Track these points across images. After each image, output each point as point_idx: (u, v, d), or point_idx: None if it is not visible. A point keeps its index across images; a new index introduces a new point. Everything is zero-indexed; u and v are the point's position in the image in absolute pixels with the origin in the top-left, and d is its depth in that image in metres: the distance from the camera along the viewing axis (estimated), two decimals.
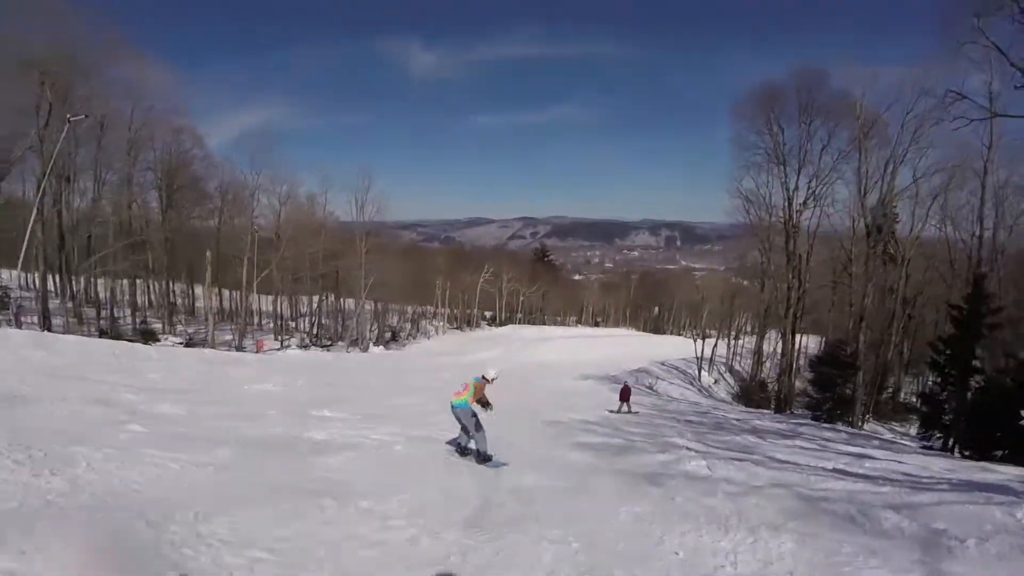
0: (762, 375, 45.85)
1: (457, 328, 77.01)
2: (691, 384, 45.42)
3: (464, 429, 9.76)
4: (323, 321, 61.53)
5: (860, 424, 25.59)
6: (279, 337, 53.12)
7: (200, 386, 17.47)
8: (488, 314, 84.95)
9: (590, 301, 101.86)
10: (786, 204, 29.85)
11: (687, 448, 12.09)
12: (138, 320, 42.52)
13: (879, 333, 28.64)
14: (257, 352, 41.28)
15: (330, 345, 55.56)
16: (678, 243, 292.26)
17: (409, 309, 77.02)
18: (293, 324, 60.88)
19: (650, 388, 41.32)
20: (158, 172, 45.21)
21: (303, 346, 52.62)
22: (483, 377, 9.91)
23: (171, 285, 49.03)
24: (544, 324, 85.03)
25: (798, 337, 53.30)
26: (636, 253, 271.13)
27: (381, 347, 57.49)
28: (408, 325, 74.94)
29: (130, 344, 25.93)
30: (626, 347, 62.69)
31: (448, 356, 54.69)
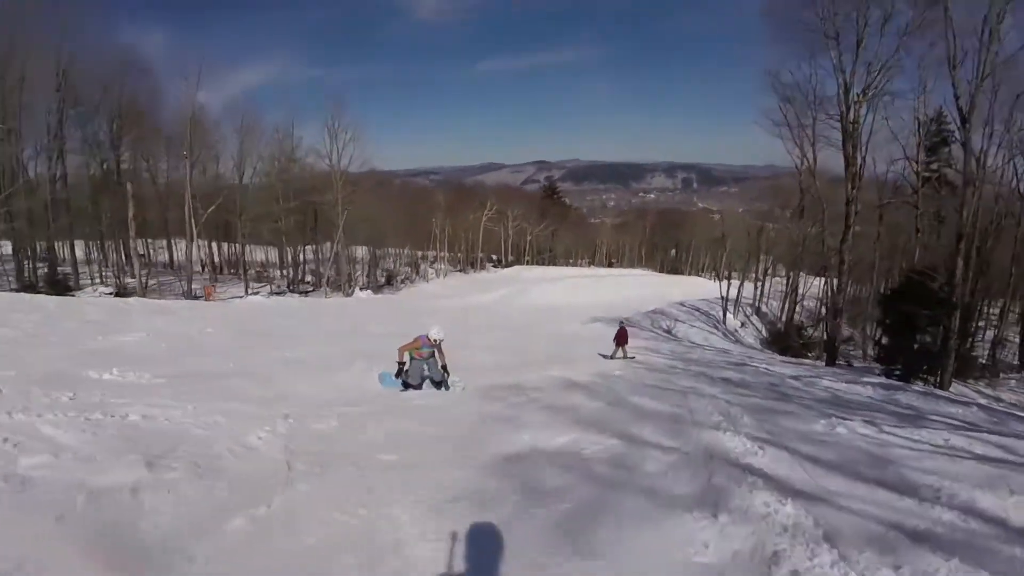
0: (799, 318, 39.18)
1: (460, 271, 70.72)
2: (715, 327, 38.82)
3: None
4: (309, 267, 55.54)
5: (948, 384, 18.96)
6: (251, 285, 47.25)
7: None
8: (494, 257, 78.42)
9: (604, 241, 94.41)
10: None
11: (760, 479, 5.51)
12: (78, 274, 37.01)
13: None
14: (206, 299, 36.69)
15: (311, 291, 49.65)
16: (695, 185, 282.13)
17: (407, 253, 71.02)
18: (281, 272, 54.86)
19: (668, 332, 34.86)
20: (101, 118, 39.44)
21: (278, 292, 46.92)
22: (427, 337, 9.74)
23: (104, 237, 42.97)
24: (554, 266, 78.41)
25: (822, 282, 46.84)
26: (652, 196, 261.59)
27: (368, 291, 51.40)
28: (407, 269, 68.92)
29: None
30: (641, 287, 56.12)
31: (445, 299, 48.94)
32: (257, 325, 21.07)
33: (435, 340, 9.83)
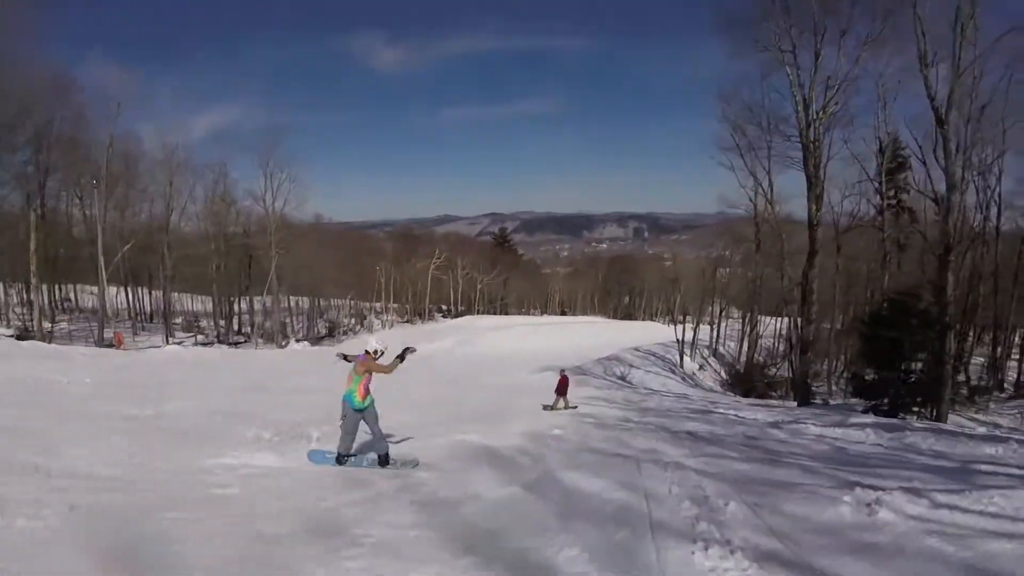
0: (759, 357, 36.97)
1: (407, 321, 67.15)
2: (672, 371, 36.26)
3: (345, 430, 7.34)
4: (245, 318, 51.45)
5: (945, 415, 16.46)
6: (177, 335, 43.05)
7: None
8: (444, 307, 75.04)
9: (556, 290, 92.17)
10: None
11: None
12: None
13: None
14: (117, 347, 33.45)
15: (242, 343, 45.56)
16: (645, 234, 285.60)
17: (351, 304, 67.33)
18: (216, 323, 50.56)
19: (622, 378, 32.08)
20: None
21: (205, 343, 42.75)
22: (366, 352, 7.54)
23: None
24: (506, 315, 75.43)
25: (778, 320, 45.31)
26: (604, 245, 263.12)
27: (305, 343, 47.46)
28: (351, 320, 65.11)
29: None
30: (594, 334, 53.50)
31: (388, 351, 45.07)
32: (151, 377, 18.17)
33: (374, 352, 7.46)
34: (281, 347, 44.58)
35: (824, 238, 24.75)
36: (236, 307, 51.24)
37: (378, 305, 68.75)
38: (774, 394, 31.76)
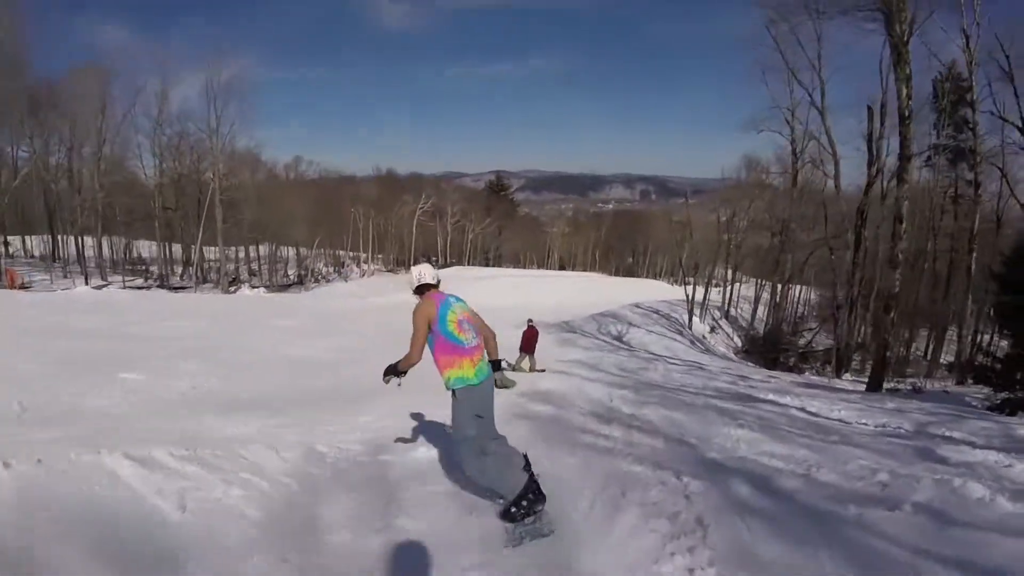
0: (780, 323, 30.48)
1: (390, 271, 60.64)
2: (679, 333, 29.77)
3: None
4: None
5: None
6: (105, 278, 36.85)
7: None
8: (432, 258, 68.36)
9: (555, 244, 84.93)
10: None
11: None
12: None
13: None
14: (10, 287, 28.89)
15: (186, 288, 39.22)
16: (653, 197, 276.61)
17: (332, 252, 60.91)
18: (162, 267, 44.14)
19: (618, 339, 25.60)
20: None
21: (143, 287, 36.68)
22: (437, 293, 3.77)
23: None
24: (499, 268, 68.71)
25: (799, 289, 38.83)
26: (611, 206, 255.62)
27: (261, 290, 41.18)
28: (327, 269, 58.82)
29: None
30: (591, 289, 46.98)
31: (356, 299, 38.97)
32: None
33: (432, 282, 3.83)
34: (228, 292, 38.31)
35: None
36: (193, 253, 44.69)
37: (357, 254, 62.15)
38: (806, 367, 25.32)
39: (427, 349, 3.61)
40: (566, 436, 5.88)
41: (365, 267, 60.57)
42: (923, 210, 26.12)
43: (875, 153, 20.54)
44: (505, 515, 3.41)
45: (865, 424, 7.38)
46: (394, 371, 3.76)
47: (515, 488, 3.40)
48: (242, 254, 50.88)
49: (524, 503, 3.37)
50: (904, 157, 13.60)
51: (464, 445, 3.54)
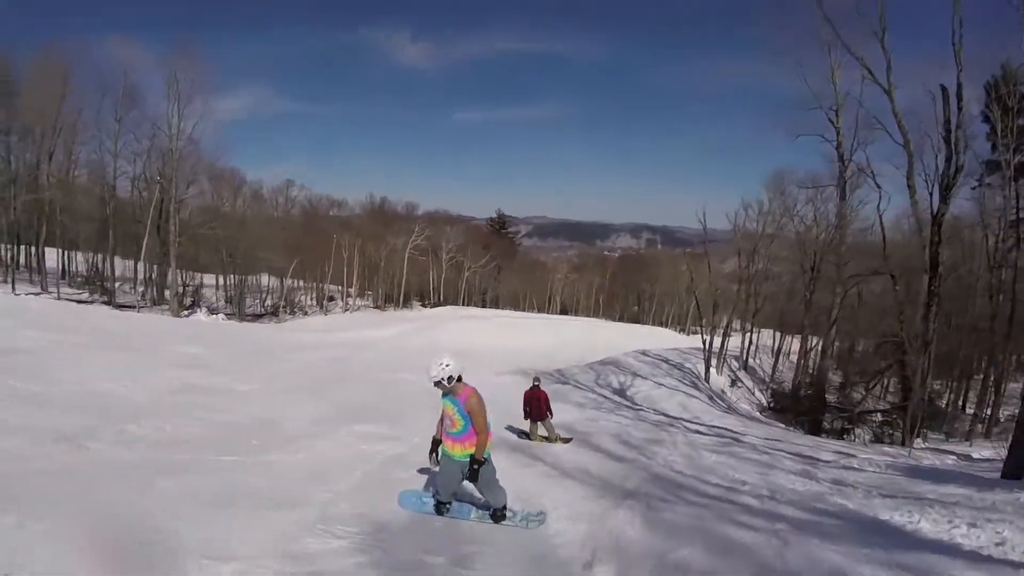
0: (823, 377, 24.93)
1: (377, 308, 55.48)
2: (695, 387, 24.23)
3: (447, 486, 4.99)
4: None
5: None
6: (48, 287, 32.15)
7: None
8: (423, 299, 63.03)
9: (557, 288, 79.39)
10: None
11: None
12: None
13: None
14: None
15: (133, 307, 34.20)
16: (659, 247, 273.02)
17: (315, 284, 55.94)
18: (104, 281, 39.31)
19: (620, 393, 20.11)
20: None
21: (87, 300, 32.08)
22: (444, 380, 4.69)
23: None
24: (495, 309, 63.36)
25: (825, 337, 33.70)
26: (617, 255, 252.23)
27: (220, 316, 36.18)
28: (309, 301, 53.89)
29: None
30: (591, 334, 41.75)
31: (324, 334, 34.05)
32: None
33: (439, 381, 4.68)
34: (180, 316, 33.30)
35: None
36: (145, 269, 39.79)
37: (344, 288, 57.01)
38: (854, 428, 19.88)
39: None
40: None
41: (350, 301, 55.41)
42: None
43: (954, 145, 15.54)
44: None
45: None
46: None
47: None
48: (219, 280, 46.32)
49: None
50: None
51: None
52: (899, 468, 9.48)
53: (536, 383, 10.78)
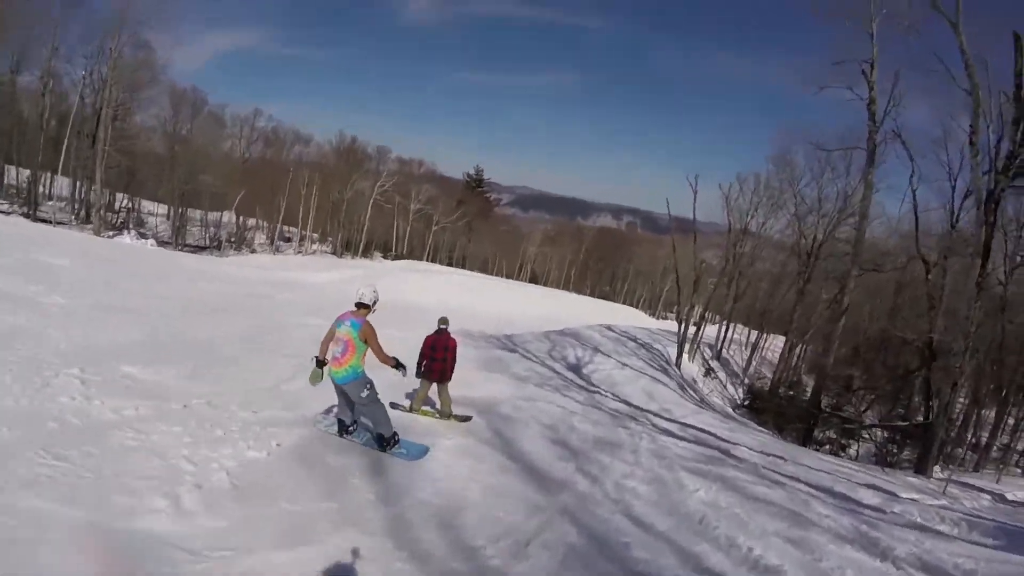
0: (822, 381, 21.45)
1: (332, 253, 51.03)
2: (664, 371, 20.57)
3: (348, 406, 5.49)
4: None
5: None
6: None
7: None
8: (387, 252, 58.61)
9: (529, 255, 75.05)
10: None
11: None
12: None
13: None
14: None
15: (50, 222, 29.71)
16: (639, 230, 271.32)
17: (278, 226, 51.10)
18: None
19: (576, 369, 16.35)
20: None
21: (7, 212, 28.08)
22: (358, 306, 5.39)
23: None
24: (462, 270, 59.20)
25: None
26: (596, 228, 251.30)
27: (151, 242, 31.84)
28: (259, 238, 49.35)
29: None
30: (554, 304, 38.23)
31: (260, 270, 30.15)
32: None
33: (370, 304, 5.47)
34: (102, 236, 28.92)
35: None
36: (77, 187, 34.96)
37: (301, 232, 52.27)
38: (848, 446, 16.54)
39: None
40: None
41: (304, 245, 50.85)
42: None
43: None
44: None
45: None
46: None
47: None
48: (170, 212, 41.54)
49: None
50: None
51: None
52: (984, 529, 5.90)
53: (443, 327, 7.55)
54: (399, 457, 5.34)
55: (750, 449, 8.34)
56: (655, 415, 11.06)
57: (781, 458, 8.05)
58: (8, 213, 29.20)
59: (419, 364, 7.25)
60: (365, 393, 5.21)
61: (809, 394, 22.64)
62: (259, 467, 4.43)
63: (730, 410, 21.06)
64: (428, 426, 7.22)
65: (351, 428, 5.55)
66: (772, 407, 20.05)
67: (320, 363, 5.31)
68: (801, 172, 27.72)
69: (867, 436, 17.13)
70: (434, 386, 7.36)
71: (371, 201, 51.69)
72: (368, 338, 5.12)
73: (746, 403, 22.95)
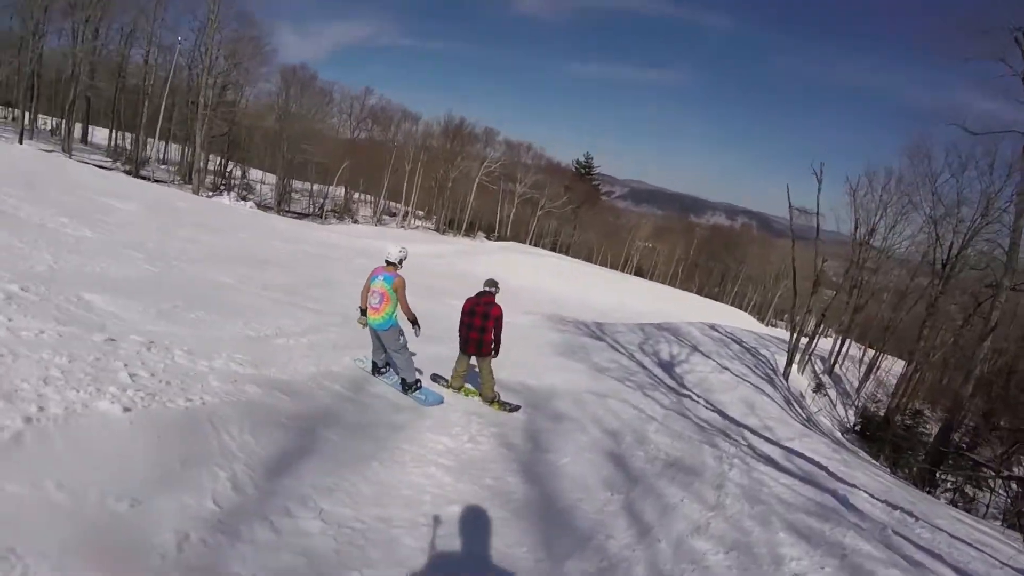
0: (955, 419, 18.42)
1: (435, 229, 51.26)
2: (770, 382, 18.28)
3: (381, 349, 6.09)
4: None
5: None
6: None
7: None
8: (489, 233, 58.08)
9: (636, 248, 72.18)
10: None
11: None
12: None
13: None
14: None
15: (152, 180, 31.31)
16: (754, 232, 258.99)
17: (386, 202, 52.03)
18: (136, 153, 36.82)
19: (667, 367, 14.61)
20: None
21: (107, 167, 29.78)
22: (387, 263, 5.93)
23: None
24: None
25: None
26: (709, 224, 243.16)
27: (251, 203, 32.91)
28: (369, 212, 50.40)
29: None
30: (656, 298, 36.08)
31: (345, 235, 30.37)
32: None
33: (396, 262, 5.94)
34: (203, 196, 30.10)
35: None
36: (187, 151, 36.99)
37: (406, 208, 52.74)
38: (980, 495, 13.83)
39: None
40: None
41: (408, 220, 51.35)
42: None
43: None
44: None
45: None
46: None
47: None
48: (270, 178, 43.30)
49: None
50: None
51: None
52: None
53: (488, 288, 6.54)
54: (417, 401, 5.89)
55: (871, 496, 6.53)
56: (753, 432, 9.32)
57: (911, 515, 6.20)
58: (111, 168, 30.83)
59: (460, 333, 6.44)
60: (400, 340, 5.87)
61: (932, 427, 19.59)
62: (82, 425, 3.22)
63: (839, 434, 18.54)
64: (468, 407, 6.15)
65: (383, 369, 6.26)
66: (887, 437, 17.32)
67: (363, 311, 5.95)
68: (940, 168, 24.14)
69: (1001, 488, 14.25)
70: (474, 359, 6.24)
71: (476, 182, 51.32)
72: (397, 289, 5.72)
73: (856, 428, 20.22)
